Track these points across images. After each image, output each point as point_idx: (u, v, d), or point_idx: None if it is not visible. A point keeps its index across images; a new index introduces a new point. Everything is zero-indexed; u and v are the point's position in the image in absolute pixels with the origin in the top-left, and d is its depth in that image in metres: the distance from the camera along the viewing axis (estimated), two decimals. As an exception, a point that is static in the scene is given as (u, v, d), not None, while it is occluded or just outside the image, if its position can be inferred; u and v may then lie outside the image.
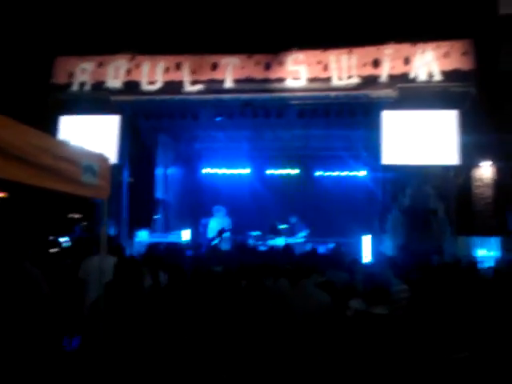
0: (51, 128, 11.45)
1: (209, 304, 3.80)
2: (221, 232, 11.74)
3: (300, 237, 13.21)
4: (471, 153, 11.24)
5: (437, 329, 3.80)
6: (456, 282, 4.97)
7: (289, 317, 4.05)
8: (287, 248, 9.13)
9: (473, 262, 7.56)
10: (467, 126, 10.50)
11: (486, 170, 12.65)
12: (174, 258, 6.78)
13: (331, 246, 12.37)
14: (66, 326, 5.04)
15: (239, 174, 16.17)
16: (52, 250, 6.05)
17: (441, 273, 5.89)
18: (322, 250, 12.03)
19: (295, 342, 3.91)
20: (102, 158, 3.73)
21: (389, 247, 10.94)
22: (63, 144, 3.43)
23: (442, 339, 3.68)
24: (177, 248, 8.82)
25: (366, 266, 8.77)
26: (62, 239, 7.16)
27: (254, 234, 13.75)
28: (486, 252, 10.78)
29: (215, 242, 11.48)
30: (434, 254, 9.36)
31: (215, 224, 13.32)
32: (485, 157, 12.41)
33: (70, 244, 7.46)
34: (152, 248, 7.92)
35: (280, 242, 13.09)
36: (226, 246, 12.20)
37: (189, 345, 3.57)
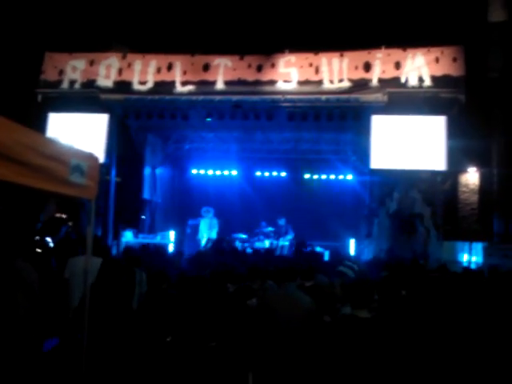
0: (39, 125, 11.35)
1: (195, 307, 3.79)
2: None
3: (287, 239, 13.24)
4: (458, 158, 11.36)
5: (426, 333, 3.83)
6: (446, 287, 5.00)
7: (273, 318, 4.06)
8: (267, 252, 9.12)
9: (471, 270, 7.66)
10: (454, 131, 10.61)
11: (471, 176, 12.78)
12: (157, 261, 6.77)
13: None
14: (47, 326, 4.99)
15: (228, 176, 16.15)
16: (38, 250, 5.99)
17: (428, 277, 5.92)
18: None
19: (279, 344, 3.91)
20: (90, 158, 3.65)
21: (374, 251, 11.01)
22: (51, 142, 3.36)
23: (429, 342, 3.71)
24: (161, 250, 8.79)
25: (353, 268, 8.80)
26: (48, 239, 7.09)
27: (241, 235, 13.76)
28: (468, 257, 10.91)
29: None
30: (419, 258, 9.44)
31: (204, 225, 13.33)
32: (471, 163, 12.55)
33: (53, 244, 7.37)
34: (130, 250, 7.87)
35: (266, 244, 13.14)
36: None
37: (175, 346, 3.56)
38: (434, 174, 11.02)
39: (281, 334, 4.02)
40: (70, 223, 10.11)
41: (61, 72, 11.91)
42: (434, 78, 10.52)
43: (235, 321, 3.74)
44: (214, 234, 13.22)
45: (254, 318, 4.05)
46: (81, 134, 11.54)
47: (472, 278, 5.44)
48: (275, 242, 13.08)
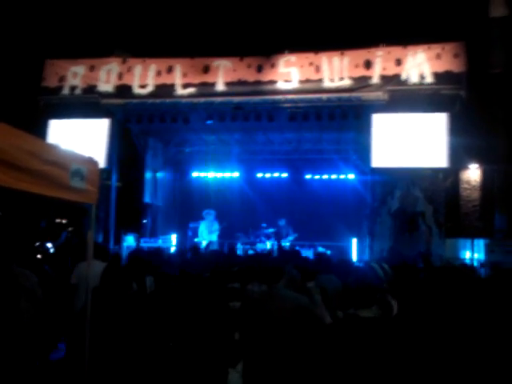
0: (40, 132, 11.37)
1: (195, 308, 3.79)
2: None
3: (288, 240, 13.21)
4: (459, 155, 11.34)
5: (430, 333, 3.81)
6: (449, 284, 4.97)
7: (263, 321, 4.06)
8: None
9: (468, 265, 7.61)
10: (456, 128, 10.58)
11: (473, 173, 12.76)
12: (159, 263, 6.75)
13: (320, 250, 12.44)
14: (53, 333, 4.97)
15: (229, 178, 16.15)
16: (38, 256, 5.98)
17: (431, 275, 5.89)
18: (307, 253, 12.02)
19: (272, 348, 3.91)
20: (90, 162, 3.66)
21: (376, 250, 11.00)
22: (51, 148, 3.36)
23: (434, 343, 3.69)
24: (162, 253, 8.77)
25: (356, 267, 8.79)
26: (49, 245, 7.08)
27: (242, 237, 13.75)
28: (470, 254, 10.90)
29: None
30: (421, 257, 9.42)
31: (204, 227, 13.32)
32: (472, 159, 12.52)
33: (53, 250, 7.35)
34: (137, 253, 7.86)
35: (267, 245, 13.12)
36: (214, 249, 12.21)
37: (176, 349, 3.56)
38: (436, 171, 10.99)
39: (270, 334, 4.02)
40: (71, 228, 10.12)
41: (61, 78, 11.94)
42: (435, 75, 10.49)
43: (214, 322, 3.73)
44: (214, 238, 13.21)
45: (235, 320, 4.04)
46: (82, 139, 11.55)
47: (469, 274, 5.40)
48: (276, 244, 13.06)
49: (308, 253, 11.95)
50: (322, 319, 4.21)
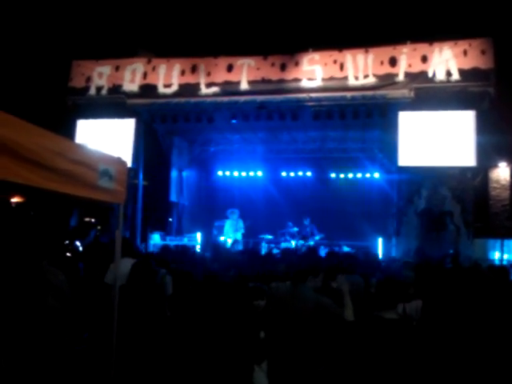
0: (68, 132, 11.59)
1: (220, 307, 3.81)
2: None
3: (313, 240, 13.14)
4: (488, 154, 11.08)
5: (452, 334, 3.74)
6: (474, 285, 4.86)
7: (284, 321, 4.09)
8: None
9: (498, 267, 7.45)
10: (484, 126, 10.36)
11: (502, 172, 12.45)
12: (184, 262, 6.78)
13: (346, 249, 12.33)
14: (79, 329, 5.05)
15: (253, 177, 16.16)
16: (68, 255, 6.08)
17: (457, 276, 5.77)
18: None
19: (290, 346, 3.92)
20: (118, 162, 3.68)
21: (403, 250, 10.83)
22: (80, 147, 3.40)
23: (458, 345, 3.62)
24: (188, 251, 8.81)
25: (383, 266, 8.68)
26: (78, 243, 7.20)
27: (267, 236, 13.72)
28: (499, 254, 10.66)
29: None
30: (449, 257, 9.23)
31: (229, 226, 13.36)
32: (501, 158, 12.23)
33: (81, 249, 7.46)
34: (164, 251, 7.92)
35: (292, 244, 13.07)
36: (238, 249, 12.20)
37: (199, 347, 3.58)
38: (464, 170, 10.76)
39: (291, 333, 4.05)
40: (99, 227, 10.25)
41: (88, 79, 12.15)
42: (462, 72, 10.27)
43: (239, 320, 3.74)
44: (239, 236, 13.23)
45: (260, 318, 4.06)
46: (108, 139, 11.73)
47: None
48: (301, 242, 12.99)
49: (323, 252, 11.88)
50: (342, 319, 4.20)
